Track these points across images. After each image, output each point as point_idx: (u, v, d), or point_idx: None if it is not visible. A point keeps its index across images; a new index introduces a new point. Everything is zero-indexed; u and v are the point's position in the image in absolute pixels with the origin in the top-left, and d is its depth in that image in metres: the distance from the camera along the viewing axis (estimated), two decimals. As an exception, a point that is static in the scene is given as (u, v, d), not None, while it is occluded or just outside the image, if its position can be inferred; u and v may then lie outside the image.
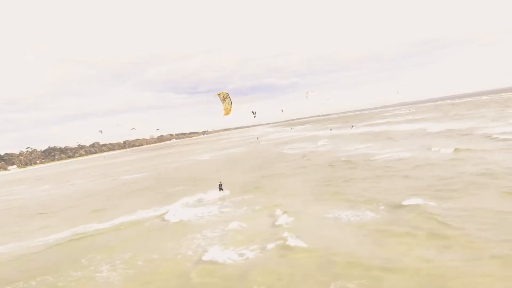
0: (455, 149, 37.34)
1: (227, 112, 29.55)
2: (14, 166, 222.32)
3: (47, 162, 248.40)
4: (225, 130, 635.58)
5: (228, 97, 29.28)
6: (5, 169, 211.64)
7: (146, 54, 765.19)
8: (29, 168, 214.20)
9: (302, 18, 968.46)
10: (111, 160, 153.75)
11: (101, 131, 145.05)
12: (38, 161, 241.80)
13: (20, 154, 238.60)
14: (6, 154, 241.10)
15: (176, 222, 25.41)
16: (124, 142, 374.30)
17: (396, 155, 41.05)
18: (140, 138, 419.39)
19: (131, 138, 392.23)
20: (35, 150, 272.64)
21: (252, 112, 68.59)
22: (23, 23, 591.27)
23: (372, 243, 16.37)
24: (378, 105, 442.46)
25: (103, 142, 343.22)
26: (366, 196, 24.49)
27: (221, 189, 32.37)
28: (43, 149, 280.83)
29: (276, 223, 21.52)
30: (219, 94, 29.62)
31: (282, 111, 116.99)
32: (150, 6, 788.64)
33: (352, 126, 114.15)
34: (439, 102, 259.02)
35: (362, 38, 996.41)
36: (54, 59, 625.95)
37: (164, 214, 28.17)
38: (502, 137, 41.50)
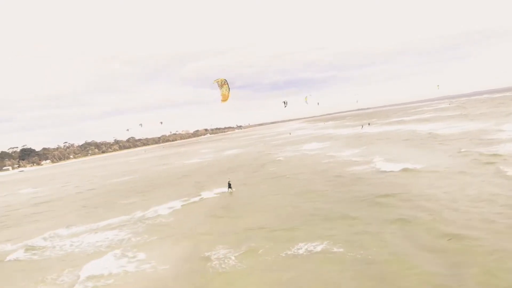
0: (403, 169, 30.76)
1: (225, 98, 29.01)
2: (48, 161, 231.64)
3: (81, 156, 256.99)
4: (260, 125, 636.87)
5: (226, 83, 28.89)
6: (39, 164, 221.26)
7: (183, 51, 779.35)
8: (61, 163, 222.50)
9: (337, 11, 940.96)
10: (122, 159, 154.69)
11: (141, 124, 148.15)
12: (71, 156, 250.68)
13: (55, 149, 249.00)
14: (44, 149, 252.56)
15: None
16: (159, 138, 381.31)
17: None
18: (177, 133, 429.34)
19: (168, 133, 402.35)
20: (72, 145, 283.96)
21: (284, 102, 68.53)
22: (67, 24, 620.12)
23: None
24: (418, 99, 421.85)
25: (139, 137, 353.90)
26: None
27: (230, 187, 33.32)
28: (80, 144, 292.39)
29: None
30: (217, 81, 29.14)
31: (318, 104, 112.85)
32: (186, 3, 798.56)
33: (369, 124, 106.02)
34: (485, 96, 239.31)
35: (400, 31, 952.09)
36: (95, 57, 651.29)
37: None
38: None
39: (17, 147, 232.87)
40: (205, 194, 33.53)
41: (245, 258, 16.61)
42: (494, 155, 30.72)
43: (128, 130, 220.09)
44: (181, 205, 30.63)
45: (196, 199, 32.57)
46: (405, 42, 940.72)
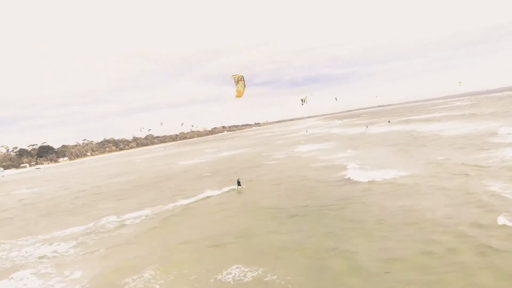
0: (370, 181, 28.38)
1: (239, 94, 29.30)
2: (66, 158, 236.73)
3: (98, 154, 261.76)
4: (278, 122, 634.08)
5: (242, 79, 29.19)
6: (56, 161, 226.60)
7: (204, 48, 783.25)
8: (78, 160, 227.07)
9: (359, 6, 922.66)
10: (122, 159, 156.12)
11: (161, 123, 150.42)
12: (88, 153, 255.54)
13: (74, 146, 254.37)
14: (63, 146, 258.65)
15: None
16: (176, 135, 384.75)
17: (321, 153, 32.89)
18: (195, 130, 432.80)
19: (187, 130, 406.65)
20: (91, 142, 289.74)
21: (301, 99, 68.48)
22: (91, 23, 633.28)
23: None
24: (441, 95, 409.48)
25: (157, 135, 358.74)
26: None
27: (239, 184, 33.66)
28: (99, 141, 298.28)
29: None
30: (234, 76, 29.36)
31: (336, 99, 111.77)
32: (206, 1, 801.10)
33: (367, 126, 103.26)
34: (505, 93, 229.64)
35: (424, 26, 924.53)
36: (118, 55, 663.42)
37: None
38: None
39: (36, 145, 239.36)
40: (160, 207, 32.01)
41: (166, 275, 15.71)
42: (474, 165, 28.21)
43: (142, 129, 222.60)
44: (145, 215, 29.26)
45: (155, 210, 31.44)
46: (429, 37, 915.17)
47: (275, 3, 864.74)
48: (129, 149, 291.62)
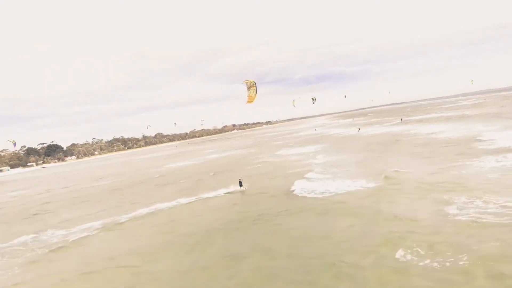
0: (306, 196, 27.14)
1: (251, 100, 29.63)
2: (73, 157, 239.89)
3: (106, 153, 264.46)
4: (290, 120, 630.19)
5: (254, 85, 29.45)
6: (63, 160, 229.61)
7: (213, 47, 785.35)
8: (85, 159, 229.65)
9: (371, 3, 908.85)
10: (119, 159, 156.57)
11: (175, 123, 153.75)
12: (96, 152, 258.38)
13: (82, 145, 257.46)
14: (73, 144, 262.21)
15: None
16: (186, 134, 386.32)
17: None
18: (206, 129, 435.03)
19: (198, 128, 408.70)
20: (100, 140, 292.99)
21: (312, 98, 69.69)
22: (98, 22, 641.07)
23: None
24: (454, 93, 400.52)
25: (166, 133, 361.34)
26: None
27: (241, 185, 33.27)
28: (109, 139, 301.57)
29: None
30: (246, 81, 29.60)
31: (345, 97, 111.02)
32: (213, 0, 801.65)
33: (359, 129, 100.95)
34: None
35: (437, 23, 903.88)
36: (127, 54, 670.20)
37: None
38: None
39: (45, 143, 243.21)
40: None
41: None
42: (423, 182, 25.89)
43: (148, 127, 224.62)
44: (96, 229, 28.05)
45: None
46: (442, 34, 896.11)
47: (285, 1, 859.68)
48: (137, 147, 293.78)
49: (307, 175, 35.15)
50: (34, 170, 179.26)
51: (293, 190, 29.70)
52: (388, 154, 43.27)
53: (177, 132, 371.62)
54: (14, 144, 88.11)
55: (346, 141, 70.91)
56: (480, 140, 42.25)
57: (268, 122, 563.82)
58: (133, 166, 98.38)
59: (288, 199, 27.55)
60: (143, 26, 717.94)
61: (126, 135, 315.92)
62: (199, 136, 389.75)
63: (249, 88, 29.31)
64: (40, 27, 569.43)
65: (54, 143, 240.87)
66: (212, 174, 50.32)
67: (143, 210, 31.42)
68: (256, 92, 29.45)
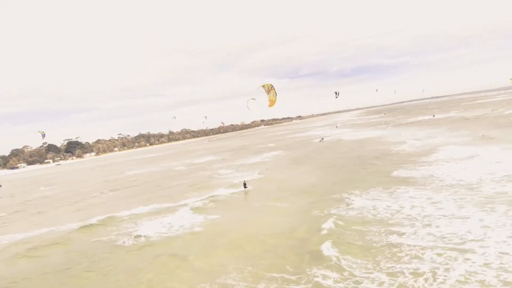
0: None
1: (272, 103, 29.08)
2: (93, 154, 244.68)
3: (126, 149, 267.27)
4: (323, 114, 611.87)
5: (272, 88, 28.79)
6: (81, 157, 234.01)
7: (248, 41, 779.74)
8: (104, 155, 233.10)
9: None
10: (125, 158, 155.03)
11: (206, 116, 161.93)
12: (116, 149, 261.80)
13: (105, 141, 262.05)
14: (98, 140, 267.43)
15: None
16: (210, 130, 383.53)
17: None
18: (233, 124, 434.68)
19: (227, 124, 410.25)
20: (126, 136, 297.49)
21: (335, 92, 69.33)
22: (140, 20, 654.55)
23: None
24: (495, 87, 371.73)
25: (193, 129, 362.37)
26: None
27: (245, 186, 32.23)
28: (135, 135, 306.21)
29: None
30: (263, 86, 28.99)
31: (377, 90, 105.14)
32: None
33: (336, 126, 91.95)
34: None
35: (479, 11, 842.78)
36: (165, 50, 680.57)
37: None
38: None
39: (70, 139, 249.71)
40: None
41: None
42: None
43: (174, 118, 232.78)
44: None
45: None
46: (487, 24, 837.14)
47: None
48: (159, 144, 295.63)
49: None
50: (48, 167, 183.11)
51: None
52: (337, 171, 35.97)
53: (209, 127, 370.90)
54: (43, 136, 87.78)
55: (326, 148, 63.42)
56: (439, 150, 34.38)
57: (299, 117, 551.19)
58: (125, 166, 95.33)
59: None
60: (181, 25, 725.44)
61: (158, 130, 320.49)
62: (223, 132, 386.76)
63: (268, 91, 28.78)
64: (84, 26, 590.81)
65: (75, 139, 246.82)
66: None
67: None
68: (276, 94, 28.77)
